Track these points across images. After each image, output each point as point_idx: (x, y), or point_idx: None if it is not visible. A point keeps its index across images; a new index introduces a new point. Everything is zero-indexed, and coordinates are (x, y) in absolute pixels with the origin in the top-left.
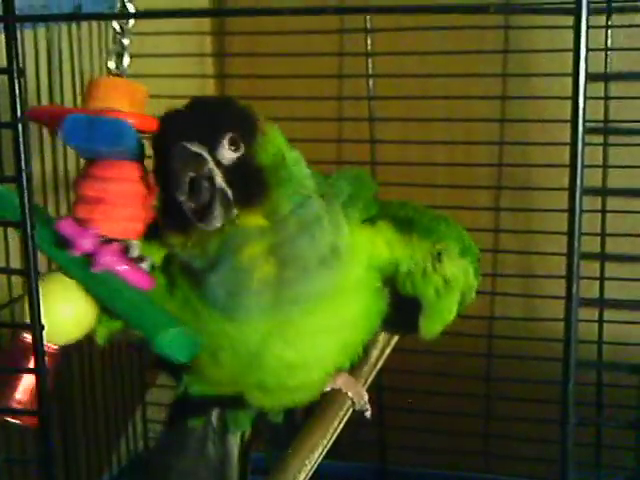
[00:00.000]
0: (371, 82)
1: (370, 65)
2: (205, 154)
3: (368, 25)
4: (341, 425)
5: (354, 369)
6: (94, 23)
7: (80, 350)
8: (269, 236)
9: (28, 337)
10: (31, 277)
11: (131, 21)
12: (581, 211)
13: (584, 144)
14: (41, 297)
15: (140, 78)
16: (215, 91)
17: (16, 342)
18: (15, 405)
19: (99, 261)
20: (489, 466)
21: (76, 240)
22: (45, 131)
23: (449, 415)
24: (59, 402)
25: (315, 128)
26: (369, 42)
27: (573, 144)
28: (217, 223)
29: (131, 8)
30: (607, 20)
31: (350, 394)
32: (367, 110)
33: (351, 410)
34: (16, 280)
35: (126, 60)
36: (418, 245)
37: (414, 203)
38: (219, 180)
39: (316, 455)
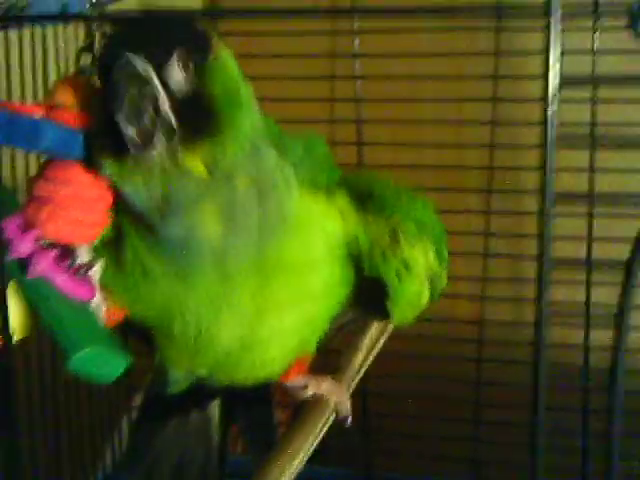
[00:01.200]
0: (359, 83)
1: (358, 67)
2: (151, 71)
3: (356, 26)
4: (323, 431)
5: (337, 374)
6: (81, 22)
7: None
8: (217, 189)
9: None
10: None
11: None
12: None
13: (554, 150)
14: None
15: None
16: None
17: None
18: None
19: (34, 267)
20: (477, 472)
21: (14, 243)
22: None
23: (436, 420)
24: (44, 404)
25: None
26: (357, 43)
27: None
28: (154, 152)
29: None
30: (594, 23)
31: (333, 400)
32: (355, 112)
33: (333, 416)
34: None
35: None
36: (373, 219)
37: (382, 177)
38: (164, 104)
39: (297, 461)
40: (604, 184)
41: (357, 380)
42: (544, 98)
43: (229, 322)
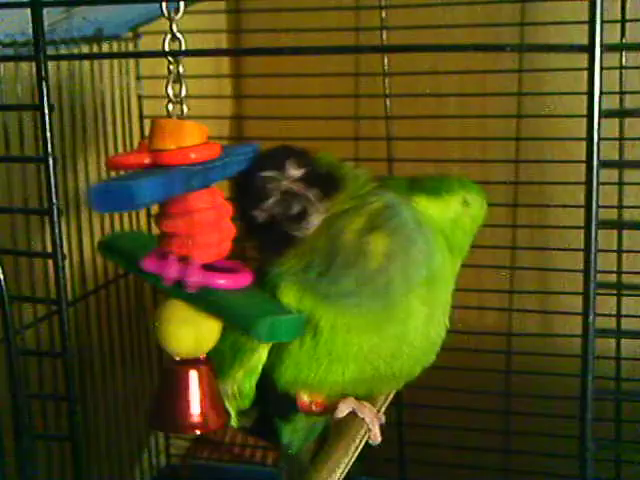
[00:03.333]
0: (388, 102)
1: (387, 85)
2: (276, 174)
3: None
4: (360, 447)
5: (371, 400)
6: (114, 44)
7: (103, 365)
8: (362, 209)
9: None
10: (62, 305)
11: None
12: (596, 246)
13: (598, 180)
14: (164, 320)
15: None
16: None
17: (166, 365)
18: (196, 419)
19: (189, 283)
20: None
21: (162, 273)
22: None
23: (468, 431)
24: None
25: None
26: (386, 62)
27: (588, 179)
28: (315, 221)
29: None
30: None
31: (367, 421)
32: (384, 129)
33: (366, 436)
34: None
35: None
36: (450, 200)
37: (414, 176)
38: (299, 187)
39: (337, 474)
40: None
41: (385, 407)
42: (589, 134)
43: (412, 345)
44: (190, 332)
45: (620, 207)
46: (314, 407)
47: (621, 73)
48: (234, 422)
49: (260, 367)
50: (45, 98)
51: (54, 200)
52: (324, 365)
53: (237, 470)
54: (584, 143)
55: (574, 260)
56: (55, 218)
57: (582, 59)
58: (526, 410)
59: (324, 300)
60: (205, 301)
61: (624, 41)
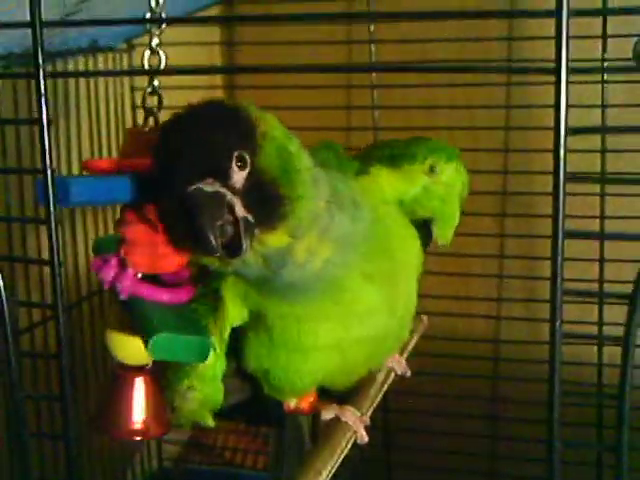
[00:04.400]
0: (377, 113)
1: (375, 96)
2: (221, 190)
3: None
4: (345, 450)
5: (356, 404)
6: (109, 55)
7: (95, 369)
8: (303, 238)
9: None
10: (58, 310)
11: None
12: (562, 256)
13: (565, 193)
14: (110, 326)
15: None
16: None
17: (114, 374)
18: (137, 426)
19: (120, 287)
20: None
21: (101, 275)
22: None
23: (455, 436)
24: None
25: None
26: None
27: (555, 193)
28: (247, 253)
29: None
30: (602, 76)
31: (350, 423)
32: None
33: (353, 439)
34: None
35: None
36: (412, 171)
37: (384, 141)
38: (239, 210)
39: (323, 477)
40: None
41: (372, 410)
42: (555, 149)
43: (371, 324)
44: (131, 339)
45: (602, 217)
46: (300, 411)
47: (603, 87)
48: (211, 422)
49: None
50: (44, 114)
51: (52, 210)
52: (283, 356)
53: (228, 474)
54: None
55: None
56: (53, 227)
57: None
58: (512, 415)
59: (269, 293)
60: (130, 309)
61: (605, 56)
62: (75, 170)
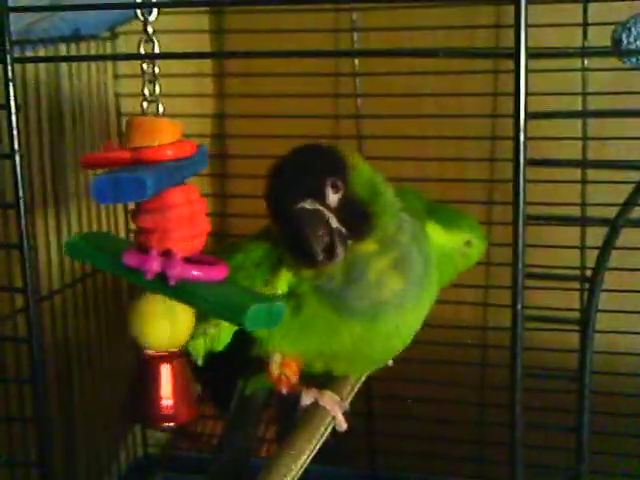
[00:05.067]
0: (359, 101)
1: (359, 85)
2: (320, 208)
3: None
4: (324, 435)
5: (335, 389)
6: (92, 44)
7: (79, 358)
8: (387, 253)
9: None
10: (28, 294)
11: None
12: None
13: (525, 178)
14: (139, 315)
15: None
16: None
17: (140, 358)
18: (167, 412)
19: (171, 275)
20: (482, 472)
21: (144, 266)
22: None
23: (441, 422)
24: (60, 408)
25: None
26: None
27: (515, 179)
28: (341, 259)
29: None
30: (582, 62)
31: (328, 408)
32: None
33: (332, 425)
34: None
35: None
36: (457, 237)
37: (440, 204)
38: (334, 223)
39: (301, 461)
40: None
41: (353, 395)
42: (515, 134)
43: (395, 338)
44: (165, 326)
45: (583, 204)
46: (282, 384)
47: (583, 75)
48: (200, 362)
49: None
50: (12, 99)
51: (20, 194)
52: (294, 331)
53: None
54: (562, 143)
55: (549, 256)
56: (22, 211)
57: (552, 61)
58: (500, 402)
59: (323, 295)
60: (186, 293)
61: (586, 44)
62: (56, 154)
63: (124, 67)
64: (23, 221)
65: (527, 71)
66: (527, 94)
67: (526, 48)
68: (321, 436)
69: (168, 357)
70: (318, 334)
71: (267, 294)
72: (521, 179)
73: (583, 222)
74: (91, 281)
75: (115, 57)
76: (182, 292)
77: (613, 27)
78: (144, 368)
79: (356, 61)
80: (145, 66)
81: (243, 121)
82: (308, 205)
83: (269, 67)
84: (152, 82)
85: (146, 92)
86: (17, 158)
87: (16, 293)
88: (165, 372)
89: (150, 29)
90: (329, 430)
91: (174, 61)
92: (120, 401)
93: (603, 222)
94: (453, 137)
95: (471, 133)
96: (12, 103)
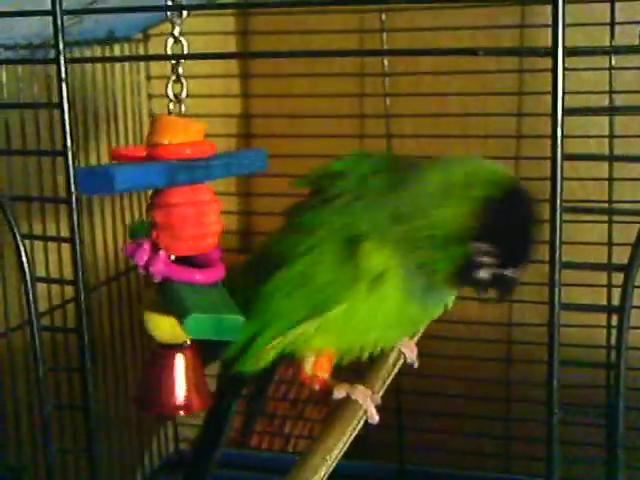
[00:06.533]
0: (388, 101)
1: (388, 84)
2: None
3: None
4: (357, 429)
5: (367, 383)
6: (126, 46)
7: (113, 352)
8: None
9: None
10: (79, 286)
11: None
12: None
13: (562, 173)
14: (145, 307)
15: None
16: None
17: (155, 353)
18: (180, 401)
19: (152, 271)
20: (508, 467)
21: (134, 258)
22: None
23: (468, 417)
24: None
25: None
26: (386, 63)
27: (553, 174)
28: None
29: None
30: (610, 61)
31: (360, 402)
32: (385, 127)
33: (364, 418)
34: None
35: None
36: None
37: None
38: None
39: (335, 453)
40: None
41: (384, 390)
42: (553, 132)
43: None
44: (166, 319)
45: (610, 201)
46: (315, 382)
47: (610, 73)
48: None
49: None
50: (65, 97)
51: (72, 189)
52: (355, 321)
53: (246, 456)
54: (582, 140)
55: (572, 252)
56: (74, 205)
57: (580, 60)
58: (526, 397)
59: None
60: (163, 291)
61: (613, 43)
62: (92, 154)
63: (156, 69)
64: (75, 216)
65: (564, 69)
66: (564, 91)
67: (563, 46)
68: (354, 429)
69: (179, 348)
70: (383, 318)
71: (235, 306)
72: (558, 173)
73: (617, 214)
74: (135, 274)
75: (149, 58)
76: (165, 289)
77: None
78: (156, 358)
79: (385, 61)
80: (176, 67)
81: (269, 121)
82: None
83: (295, 68)
84: (179, 82)
85: (170, 93)
86: (69, 155)
87: (66, 285)
88: (175, 362)
89: (177, 30)
90: (361, 423)
91: (202, 63)
92: (134, 391)
93: (635, 213)
94: (478, 136)
95: (496, 132)
96: (65, 102)
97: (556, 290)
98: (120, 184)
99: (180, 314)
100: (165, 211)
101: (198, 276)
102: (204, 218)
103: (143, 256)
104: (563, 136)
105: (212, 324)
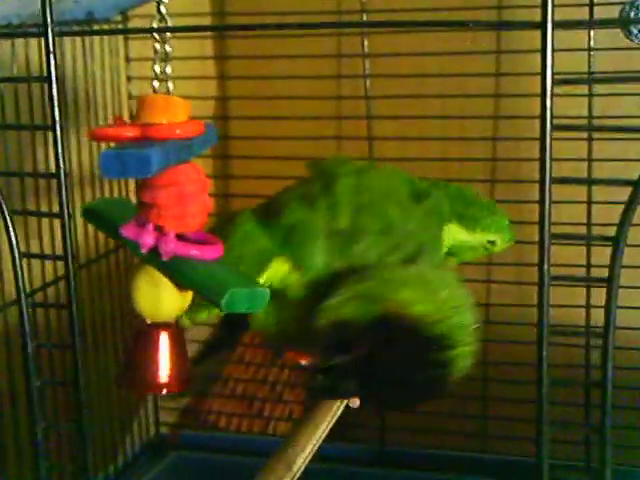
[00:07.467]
0: (368, 82)
1: (367, 66)
2: None
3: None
4: (339, 412)
5: None
6: (105, 27)
7: (94, 335)
8: None
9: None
10: (68, 260)
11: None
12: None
13: (551, 141)
14: (134, 284)
15: None
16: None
17: (140, 331)
18: (163, 380)
19: (164, 251)
20: (485, 446)
21: (139, 240)
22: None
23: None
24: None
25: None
26: (366, 43)
27: (542, 140)
28: None
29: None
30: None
31: None
32: (365, 109)
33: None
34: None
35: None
36: (477, 237)
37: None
38: None
39: (318, 435)
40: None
41: None
42: (542, 98)
43: None
44: (154, 296)
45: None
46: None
47: (589, 54)
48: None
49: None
50: (53, 70)
51: (61, 163)
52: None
53: (226, 439)
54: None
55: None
56: (62, 180)
57: (559, 39)
58: (503, 377)
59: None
60: (175, 270)
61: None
62: (72, 137)
63: (135, 51)
64: (64, 190)
65: (553, 42)
66: (553, 63)
67: (552, 20)
68: (337, 411)
69: (163, 327)
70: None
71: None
72: (547, 142)
73: (608, 184)
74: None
75: (138, 30)
76: (172, 267)
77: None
78: (141, 336)
79: (365, 41)
80: (158, 46)
81: (245, 103)
82: None
83: (271, 49)
84: (164, 61)
85: (157, 70)
86: (58, 128)
87: (58, 261)
88: (158, 341)
89: (163, 9)
90: (343, 406)
91: (177, 43)
92: (117, 368)
93: (627, 183)
94: (456, 117)
95: (474, 112)
96: (53, 76)
97: (545, 257)
98: (154, 166)
99: (214, 291)
100: (163, 191)
101: (209, 253)
102: (199, 195)
103: (149, 238)
104: (552, 107)
105: (246, 297)
